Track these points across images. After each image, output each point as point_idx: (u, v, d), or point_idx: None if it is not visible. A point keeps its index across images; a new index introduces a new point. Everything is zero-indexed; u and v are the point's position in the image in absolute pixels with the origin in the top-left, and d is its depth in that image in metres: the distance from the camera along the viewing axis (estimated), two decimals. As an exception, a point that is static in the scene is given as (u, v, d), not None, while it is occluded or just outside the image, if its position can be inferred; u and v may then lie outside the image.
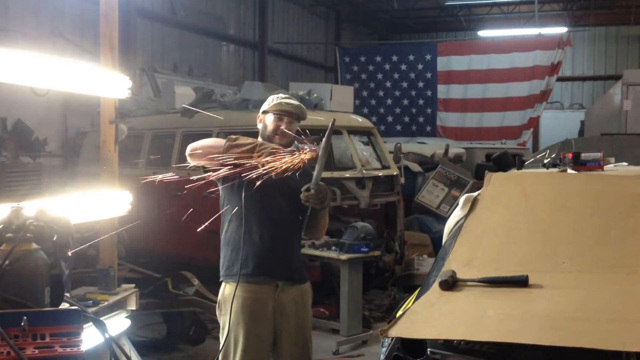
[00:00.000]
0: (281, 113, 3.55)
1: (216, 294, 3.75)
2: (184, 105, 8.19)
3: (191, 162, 3.39)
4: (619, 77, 15.37)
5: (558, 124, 19.60)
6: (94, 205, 4.09)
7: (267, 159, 3.16)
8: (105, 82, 4.23)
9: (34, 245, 2.59)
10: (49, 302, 2.62)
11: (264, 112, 3.62)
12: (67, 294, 3.16)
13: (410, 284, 7.74)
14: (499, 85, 15.98)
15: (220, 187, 3.58)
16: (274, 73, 17.16)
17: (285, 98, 3.63)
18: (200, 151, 3.33)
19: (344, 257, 6.26)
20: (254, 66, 16.77)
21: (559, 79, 18.26)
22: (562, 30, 17.43)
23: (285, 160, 3.16)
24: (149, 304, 5.30)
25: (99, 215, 4.22)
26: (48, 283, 2.62)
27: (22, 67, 3.44)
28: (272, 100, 3.62)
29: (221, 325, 3.61)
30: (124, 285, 4.48)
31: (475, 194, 3.41)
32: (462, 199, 3.42)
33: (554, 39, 16.25)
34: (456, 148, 11.88)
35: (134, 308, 4.44)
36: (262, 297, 3.50)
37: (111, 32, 4.42)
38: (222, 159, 3.22)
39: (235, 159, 3.20)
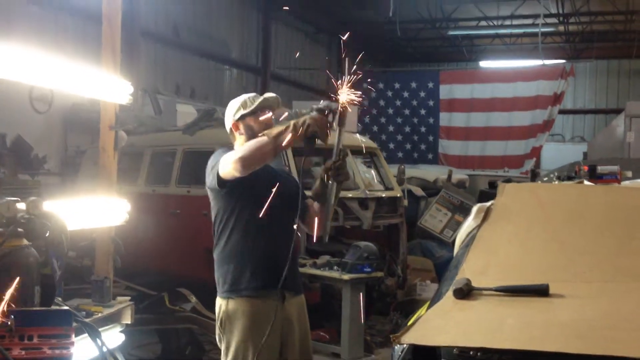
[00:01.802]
0: (264, 108, 3.41)
1: (214, 312, 3.57)
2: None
3: (242, 174, 3.09)
4: (621, 111, 15.35)
5: (560, 155, 19.52)
6: (90, 212, 3.95)
7: (313, 124, 2.93)
8: (106, 86, 4.13)
9: (25, 241, 2.45)
10: (39, 302, 2.47)
11: (242, 118, 3.42)
12: (59, 298, 3.01)
13: (413, 309, 7.54)
14: (502, 114, 15.93)
15: (213, 200, 3.41)
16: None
17: (255, 95, 3.48)
18: (252, 156, 3.04)
19: (346, 277, 6.08)
20: (256, 91, 16.68)
21: (561, 112, 18.25)
22: (563, 61, 17.48)
23: (326, 121, 2.95)
24: (144, 319, 5.12)
25: (96, 223, 4.07)
26: (38, 282, 2.47)
27: (24, 65, 3.33)
28: (246, 103, 3.43)
29: (225, 344, 3.40)
30: (120, 298, 4.31)
31: (489, 203, 3.28)
32: (474, 209, 3.29)
33: (557, 69, 16.27)
34: (459, 174, 11.78)
35: (129, 322, 4.26)
36: (270, 310, 3.31)
37: (114, 36, 4.33)
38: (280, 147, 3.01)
39: (289, 140, 2.97)
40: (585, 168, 3.68)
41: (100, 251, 4.27)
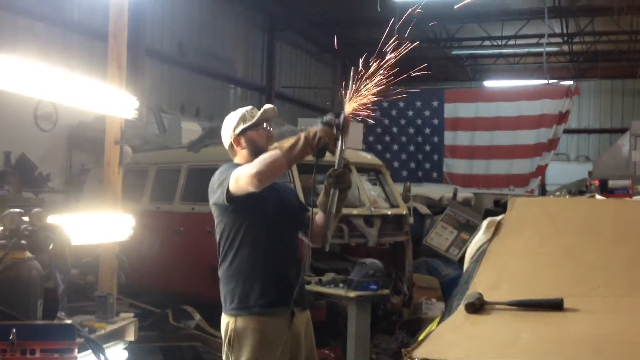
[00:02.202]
0: (264, 120, 3.39)
1: (218, 329, 3.49)
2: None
3: (258, 188, 3.06)
4: (626, 130, 15.33)
5: (564, 174, 19.47)
6: (95, 227, 3.90)
7: (324, 136, 2.96)
8: (112, 101, 4.11)
9: (28, 254, 2.40)
10: (41, 316, 2.42)
11: (243, 132, 3.39)
12: (63, 312, 2.95)
13: (419, 328, 7.45)
14: (507, 133, 15.89)
15: (218, 216, 3.36)
16: (281, 116, 17.15)
17: (252, 108, 3.46)
18: (268, 170, 3.01)
19: (352, 294, 6.00)
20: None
21: (565, 131, 18.22)
22: (568, 82, 17.49)
23: (334, 132, 2.98)
24: (148, 337, 5.05)
25: (100, 239, 4.03)
26: (41, 295, 2.43)
27: (30, 77, 3.31)
28: (245, 116, 3.40)
29: None
30: (123, 314, 4.26)
31: (499, 217, 3.23)
32: (484, 223, 3.24)
33: (561, 88, 16.26)
34: (465, 192, 11.71)
35: (132, 339, 4.20)
36: (279, 327, 3.25)
37: (120, 52, 4.31)
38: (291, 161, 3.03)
39: (301, 152, 2.98)
40: (597, 182, 3.63)
41: (104, 267, 4.22)
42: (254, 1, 16.38)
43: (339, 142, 3.03)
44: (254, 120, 3.37)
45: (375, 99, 3.08)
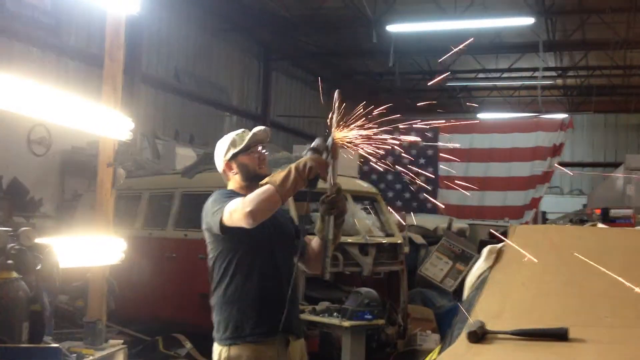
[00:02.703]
0: (255, 144, 3.30)
1: (210, 358, 3.37)
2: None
3: (253, 226, 2.97)
4: (619, 165, 15.36)
5: (558, 208, 19.48)
6: (85, 250, 3.80)
7: (314, 166, 2.87)
8: (106, 122, 4.04)
9: (15, 274, 2.31)
10: (27, 339, 2.32)
11: (234, 157, 3.30)
12: (49, 337, 2.85)
13: (413, 360, 7.32)
14: (501, 165, 15.85)
15: (212, 243, 3.27)
16: (276, 144, 17.13)
17: (243, 131, 3.38)
18: (262, 208, 2.92)
19: (346, 323, 5.89)
20: (256, 138, 16.73)
21: (559, 165, 18.24)
22: (562, 116, 17.55)
23: (325, 160, 2.91)
24: (137, 365, 4.92)
25: (90, 262, 3.92)
26: (27, 318, 2.33)
27: (24, 96, 3.24)
28: (234, 140, 3.32)
29: None
30: (112, 341, 4.13)
31: (500, 245, 3.15)
32: (485, 250, 3.16)
33: (555, 121, 16.27)
34: (460, 223, 11.64)
35: (121, 366, 4.07)
36: (274, 356, 3.14)
37: (115, 72, 4.26)
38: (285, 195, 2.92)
39: (294, 185, 2.89)
40: (598, 211, 3.56)
41: (94, 292, 4.11)
42: (250, 31, 16.47)
43: (330, 168, 2.95)
44: (243, 144, 3.29)
45: (365, 133, 2.99)
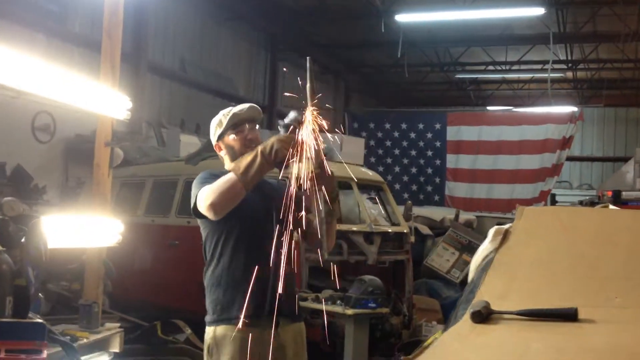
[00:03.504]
0: (241, 123, 3.12)
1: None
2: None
3: (218, 217, 2.87)
4: (629, 159, 15.17)
5: (567, 200, 19.31)
6: (81, 230, 3.71)
7: (280, 148, 2.70)
8: (103, 99, 3.94)
9: (-1, 246, 2.21)
10: (10, 314, 2.22)
11: (220, 138, 3.16)
12: (37, 315, 2.76)
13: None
14: (510, 157, 15.71)
15: (201, 225, 3.14)
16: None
17: (229, 110, 3.20)
18: (223, 199, 2.80)
19: (350, 312, 5.78)
20: (262, 128, 16.65)
21: (568, 158, 18.07)
22: (572, 108, 17.36)
23: (294, 137, 2.70)
24: (134, 349, 4.82)
25: (87, 243, 3.83)
26: (11, 292, 2.23)
27: (17, 68, 3.15)
28: (220, 121, 3.17)
29: None
30: (108, 324, 4.05)
31: (507, 226, 3.04)
32: (491, 232, 3.05)
33: (566, 113, 16.15)
34: (467, 214, 11.52)
35: (117, 350, 3.98)
36: (262, 337, 3.04)
37: (114, 50, 4.16)
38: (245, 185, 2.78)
39: (259, 171, 2.75)
40: (609, 193, 3.44)
41: (90, 274, 4.02)
42: (256, 21, 16.33)
43: (311, 143, 2.70)
44: (225, 124, 3.13)
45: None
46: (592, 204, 3.60)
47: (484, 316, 2.32)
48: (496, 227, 3.06)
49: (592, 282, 2.54)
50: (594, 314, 2.28)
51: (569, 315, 2.26)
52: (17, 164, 9.96)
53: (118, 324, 4.08)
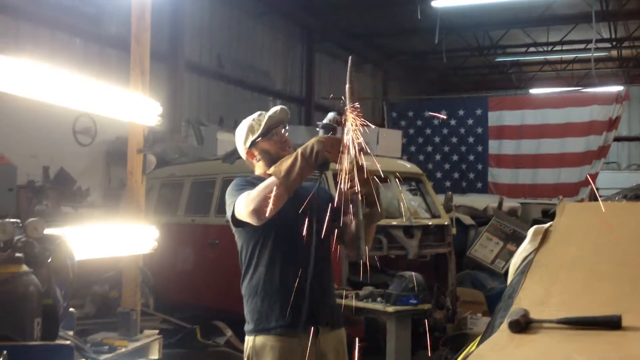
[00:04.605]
0: (275, 126, 3.11)
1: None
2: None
3: (261, 223, 2.82)
4: (678, 137, 14.71)
5: (615, 184, 18.77)
6: (116, 239, 3.72)
7: (321, 149, 2.64)
8: (134, 107, 3.93)
9: (25, 268, 2.20)
10: (39, 336, 2.21)
11: (253, 144, 3.13)
12: (70, 332, 2.75)
13: (463, 344, 7.08)
14: (554, 141, 15.31)
15: (236, 234, 3.10)
16: (320, 128, 16.99)
17: (259, 115, 3.18)
18: (265, 204, 2.72)
19: (390, 309, 5.70)
20: (300, 121, 16.63)
21: (616, 139, 17.55)
22: (618, 88, 16.84)
23: (337, 138, 2.66)
24: (174, 354, 4.84)
25: (122, 251, 3.84)
26: (39, 313, 2.21)
27: (49, 83, 3.15)
28: (252, 126, 3.14)
29: None
30: (147, 332, 4.06)
31: (547, 225, 2.91)
32: (531, 231, 2.92)
33: (611, 93, 15.64)
34: (511, 202, 11.29)
35: (156, 357, 3.99)
36: (301, 346, 2.99)
37: (142, 56, 4.14)
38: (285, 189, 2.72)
39: (301, 174, 2.70)
40: (655, 185, 3.28)
41: (127, 282, 4.03)
42: (292, 14, 16.28)
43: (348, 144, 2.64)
44: (261, 129, 3.10)
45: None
46: (637, 197, 3.44)
47: (523, 325, 2.22)
48: (536, 226, 2.94)
49: (637, 285, 2.41)
50: (639, 320, 2.16)
51: (612, 323, 2.14)
52: (60, 168, 10.14)
53: (157, 331, 4.09)
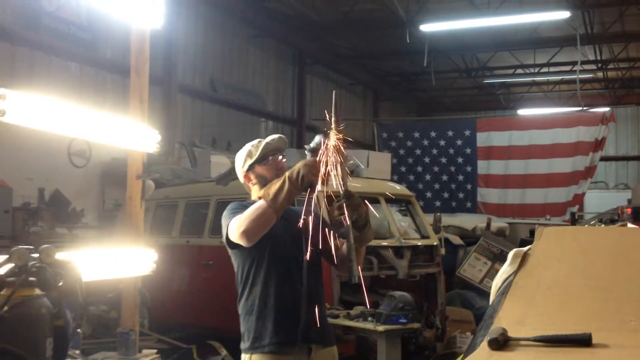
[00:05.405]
0: (272, 153, 3.29)
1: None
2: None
3: (250, 244, 2.99)
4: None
5: (603, 203, 19.06)
6: (115, 262, 3.87)
7: (307, 173, 2.81)
8: (133, 135, 4.11)
9: (37, 291, 2.36)
10: (51, 355, 2.37)
11: (250, 168, 3.29)
12: (77, 351, 2.91)
13: (453, 363, 7.24)
14: (542, 161, 15.60)
15: (232, 255, 3.26)
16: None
17: (259, 141, 3.35)
18: (255, 226, 2.91)
19: (381, 328, 5.86)
20: (292, 143, 16.84)
21: (603, 159, 17.85)
22: (604, 109, 17.17)
23: (324, 161, 2.81)
24: (171, 374, 4.98)
25: (121, 273, 3.99)
26: (51, 334, 2.37)
27: (50, 113, 3.32)
28: (250, 151, 3.31)
29: None
30: (145, 351, 4.20)
31: (526, 248, 3.09)
32: (511, 254, 3.10)
33: (597, 114, 15.97)
34: (499, 222, 11.49)
35: (154, 376, 4.14)
36: None
37: (142, 87, 4.32)
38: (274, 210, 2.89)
39: (288, 197, 2.86)
40: (629, 210, 3.47)
41: (127, 303, 4.18)
42: (283, 37, 16.54)
43: (337, 172, 2.80)
44: (257, 154, 3.28)
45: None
46: (612, 222, 3.63)
47: (501, 343, 2.38)
48: (515, 249, 3.11)
49: (608, 306, 2.58)
50: (608, 338, 2.33)
51: (582, 341, 2.31)
52: (55, 189, 10.27)
53: (155, 350, 4.23)
